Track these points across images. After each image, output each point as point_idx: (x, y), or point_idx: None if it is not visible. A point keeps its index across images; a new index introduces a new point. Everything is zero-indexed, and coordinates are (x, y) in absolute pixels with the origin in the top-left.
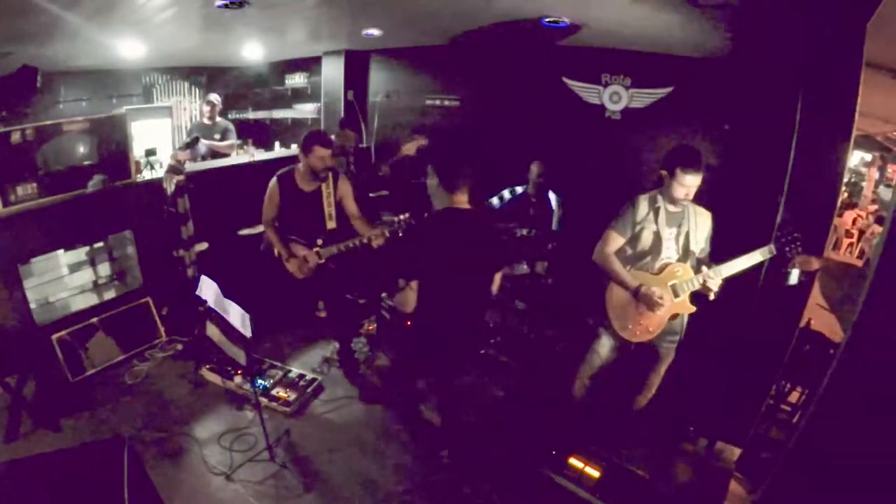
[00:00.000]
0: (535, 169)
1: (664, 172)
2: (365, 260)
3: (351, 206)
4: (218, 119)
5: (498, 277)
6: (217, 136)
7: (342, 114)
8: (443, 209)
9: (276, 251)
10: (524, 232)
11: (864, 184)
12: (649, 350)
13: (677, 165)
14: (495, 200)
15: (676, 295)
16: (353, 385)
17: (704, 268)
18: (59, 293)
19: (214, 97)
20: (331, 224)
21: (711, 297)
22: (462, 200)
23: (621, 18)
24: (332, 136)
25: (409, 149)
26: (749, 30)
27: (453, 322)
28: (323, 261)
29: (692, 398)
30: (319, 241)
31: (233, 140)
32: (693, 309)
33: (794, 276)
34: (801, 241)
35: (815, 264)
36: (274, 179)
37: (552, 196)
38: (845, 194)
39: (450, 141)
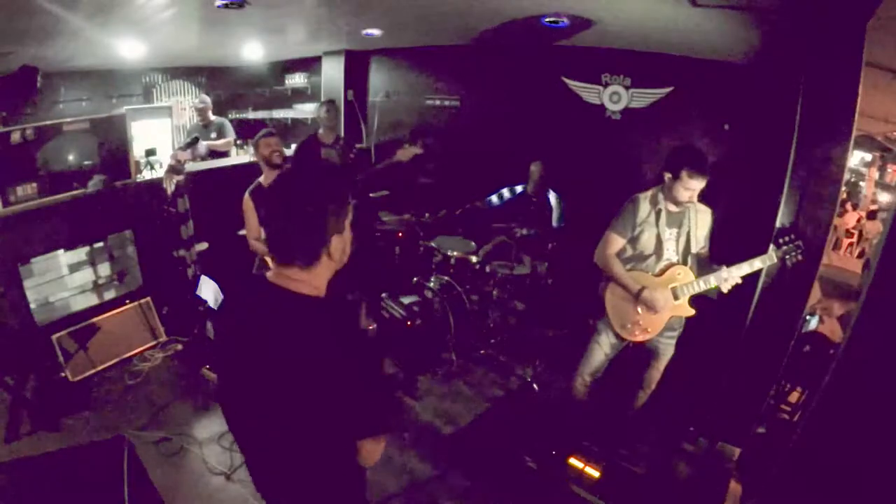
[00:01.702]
0: (535, 169)
1: (668, 174)
2: (364, 260)
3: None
4: (212, 119)
5: (373, 445)
6: (213, 136)
7: (341, 114)
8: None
9: (268, 262)
10: (524, 232)
11: (863, 184)
12: (648, 347)
13: (683, 168)
14: (494, 198)
15: (676, 298)
16: None
17: (724, 268)
18: (59, 293)
19: (202, 100)
20: None
21: (725, 290)
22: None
23: (635, 16)
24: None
25: (404, 155)
26: (750, 30)
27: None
28: None
29: (692, 398)
30: None
31: (230, 136)
32: (692, 312)
33: (813, 323)
34: (802, 249)
35: (837, 310)
36: (245, 195)
37: (552, 194)
38: (845, 194)
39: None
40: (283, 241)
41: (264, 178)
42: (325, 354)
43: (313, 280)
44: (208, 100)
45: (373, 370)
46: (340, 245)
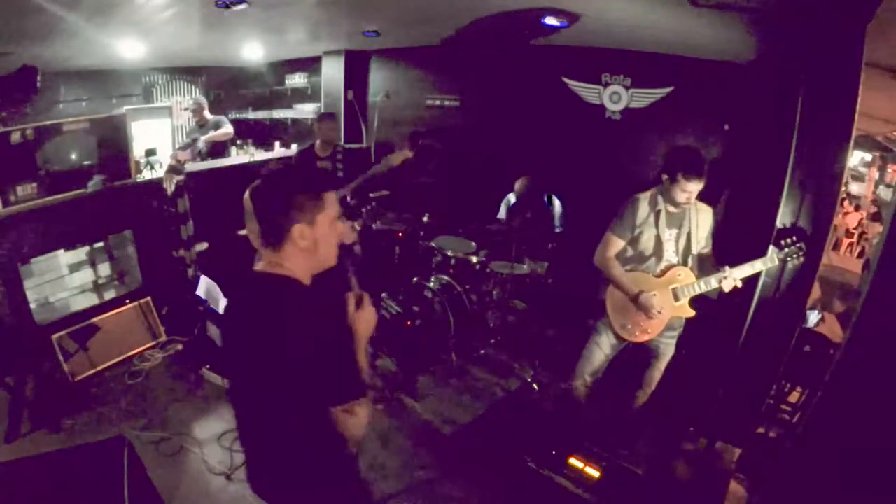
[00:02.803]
0: (517, 186)
1: (665, 176)
2: (364, 259)
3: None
4: (209, 118)
5: (348, 416)
6: (211, 133)
7: (342, 114)
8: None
9: None
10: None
11: (863, 183)
12: (649, 347)
13: (680, 171)
14: (503, 210)
15: (677, 299)
16: None
17: (727, 267)
18: (59, 293)
19: (197, 102)
20: None
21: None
22: (264, 259)
23: (622, 16)
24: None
25: (396, 159)
26: (750, 31)
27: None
28: None
29: (692, 398)
30: None
31: (227, 129)
32: (693, 313)
33: (812, 318)
34: (805, 251)
35: (838, 307)
36: (246, 194)
37: (555, 200)
38: (845, 194)
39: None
40: (259, 225)
41: None
42: (287, 326)
43: (286, 263)
44: (203, 100)
45: (337, 343)
46: (308, 233)
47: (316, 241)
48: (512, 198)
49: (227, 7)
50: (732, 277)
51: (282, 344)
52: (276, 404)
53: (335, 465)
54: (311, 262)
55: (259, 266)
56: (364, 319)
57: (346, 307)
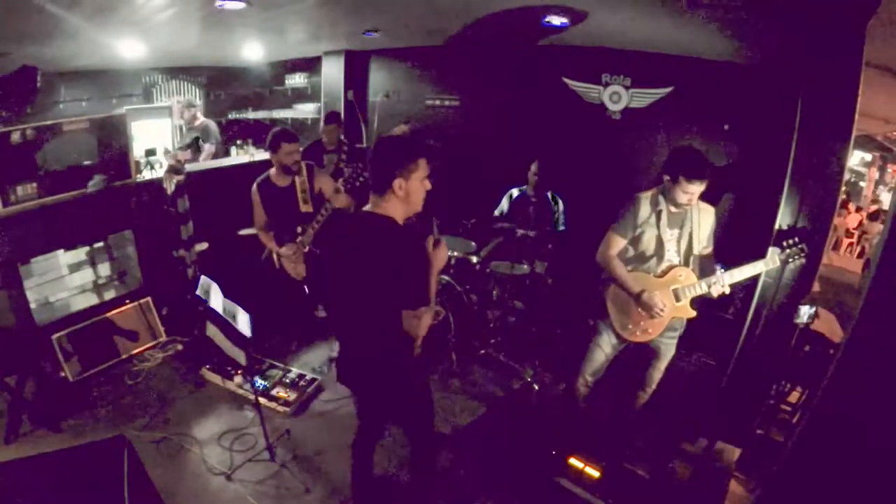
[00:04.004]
0: (533, 169)
1: (667, 177)
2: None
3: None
4: (199, 120)
5: (415, 320)
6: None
7: (342, 114)
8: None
9: (274, 255)
10: (524, 233)
11: (863, 184)
12: (650, 347)
13: (682, 173)
14: (504, 203)
15: (678, 299)
16: None
17: (718, 271)
18: (59, 293)
19: (188, 101)
20: (305, 208)
21: (715, 294)
22: (371, 201)
23: (622, 19)
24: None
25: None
26: (750, 30)
27: (347, 352)
28: (307, 248)
29: (692, 398)
30: (299, 230)
31: (211, 142)
32: (693, 314)
33: (804, 314)
34: (806, 252)
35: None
36: (254, 187)
37: (559, 200)
38: (845, 195)
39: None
40: (370, 174)
41: (274, 174)
42: (387, 249)
43: (387, 208)
44: (195, 101)
45: (413, 271)
46: (405, 186)
47: (408, 193)
48: (515, 192)
49: (225, 3)
50: (721, 283)
51: (381, 261)
52: (369, 305)
53: (405, 357)
54: (404, 208)
55: (367, 208)
56: (438, 256)
57: (426, 244)
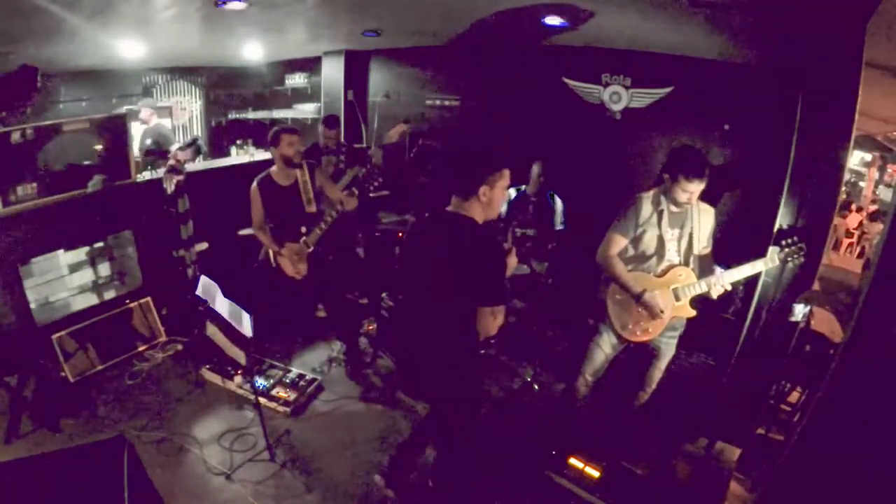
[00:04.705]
0: (535, 169)
1: (667, 176)
2: (365, 259)
3: (334, 193)
4: (153, 123)
5: (490, 317)
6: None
7: (341, 114)
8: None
9: (270, 254)
10: (524, 232)
11: (862, 184)
12: (650, 346)
13: (681, 172)
14: (503, 205)
15: (678, 299)
16: (356, 384)
17: (717, 271)
18: (59, 293)
19: (148, 105)
20: (310, 208)
21: (714, 295)
22: (453, 203)
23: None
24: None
25: (392, 136)
26: (750, 31)
27: (411, 346)
28: (311, 248)
29: (692, 398)
30: (303, 230)
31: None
32: (693, 313)
33: (798, 312)
34: (805, 251)
35: (837, 306)
36: (254, 184)
37: (556, 198)
38: (845, 195)
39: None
40: (456, 180)
41: (276, 173)
42: (472, 248)
43: (470, 211)
44: (152, 101)
45: (495, 269)
46: (489, 194)
47: (491, 199)
48: (513, 192)
49: (225, 3)
50: (720, 283)
51: (466, 258)
52: (450, 299)
53: (472, 352)
54: (485, 212)
55: (450, 208)
56: (510, 263)
57: (503, 247)
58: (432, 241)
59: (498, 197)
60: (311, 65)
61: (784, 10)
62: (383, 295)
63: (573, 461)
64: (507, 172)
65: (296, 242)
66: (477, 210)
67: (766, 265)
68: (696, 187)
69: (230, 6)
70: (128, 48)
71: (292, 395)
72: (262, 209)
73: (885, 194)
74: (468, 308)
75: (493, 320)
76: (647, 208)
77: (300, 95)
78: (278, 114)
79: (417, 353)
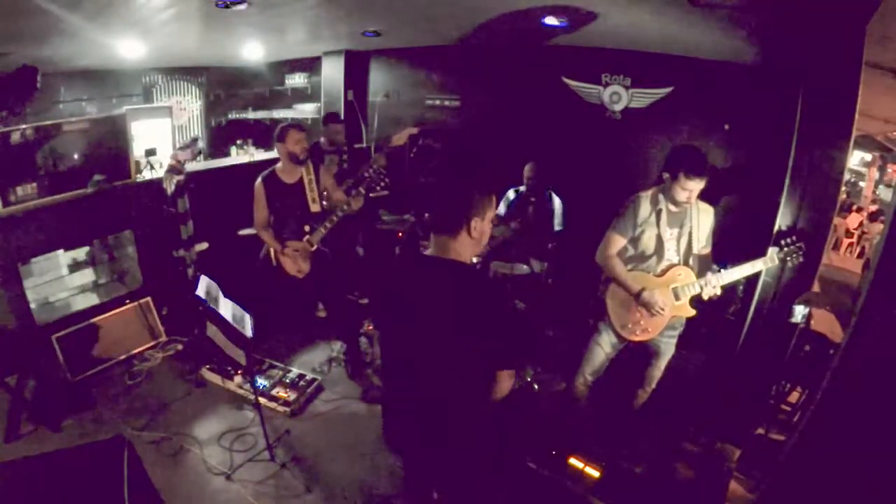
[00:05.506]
0: (527, 170)
1: (667, 175)
2: (365, 259)
3: (338, 195)
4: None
5: (509, 379)
6: None
7: (341, 114)
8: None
9: (272, 253)
10: (516, 224)
11: (862, 184)
12: (649, 346)
13: (681, 170)
14: (502, 207)
15: (677, 298)
16: (356, 384)
17: (709, 273)
18: (59, 293)
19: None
20: (315, 207)
21: (705, 297)
22: (436, 245)
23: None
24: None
25: (400, 139)
26: (750, 31)
27: (423, 438)
28: (314, 247)
29: (692, 398)
30: (307, 228)
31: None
32: (693, 313)
33: (798, 314)
34: (805, 251)
35: (836, 306)
36: (258, 181)
37: (555, 198)
38: (845, 195)
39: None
40: (439, 215)
41: (281, 170)
42: (474, 299)
43: (460, 251)
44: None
45: (511, 323)
46: (480, 226)
47: (482, 233)
48: (511, 194)
49: (227, 7)
50: (712, 285)
51: (472, 315)
52: (456, 366)
53: (483, 422)
54: (475, 249)
55: (432, 252)
56: None
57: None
58: (424, 300)
59: (488, 230)
60: (311, 65)
61: (784, 10)
62: None
63: (573, 461)
64: (493, 197)
65: (299, 241)
66: (466, 248)
67: (765, 265)
68: (696, 185)
69: (231, 8)
70: (128, 48)
71: (292, 395)
72: (265, 206)
73: (885, 194)
74: (484, 374)
75: (510, 382)
76: (645, 208)
77: (300, 95)
78: (278, 114)
79: (433, 444)
